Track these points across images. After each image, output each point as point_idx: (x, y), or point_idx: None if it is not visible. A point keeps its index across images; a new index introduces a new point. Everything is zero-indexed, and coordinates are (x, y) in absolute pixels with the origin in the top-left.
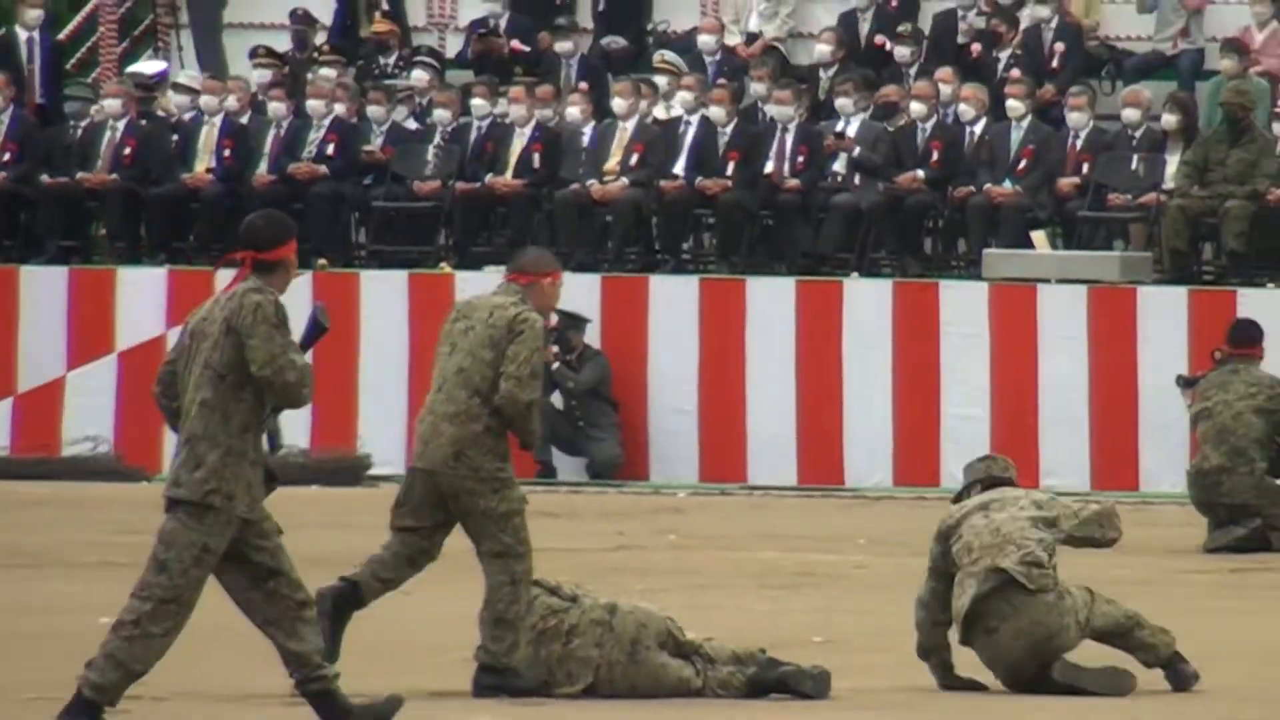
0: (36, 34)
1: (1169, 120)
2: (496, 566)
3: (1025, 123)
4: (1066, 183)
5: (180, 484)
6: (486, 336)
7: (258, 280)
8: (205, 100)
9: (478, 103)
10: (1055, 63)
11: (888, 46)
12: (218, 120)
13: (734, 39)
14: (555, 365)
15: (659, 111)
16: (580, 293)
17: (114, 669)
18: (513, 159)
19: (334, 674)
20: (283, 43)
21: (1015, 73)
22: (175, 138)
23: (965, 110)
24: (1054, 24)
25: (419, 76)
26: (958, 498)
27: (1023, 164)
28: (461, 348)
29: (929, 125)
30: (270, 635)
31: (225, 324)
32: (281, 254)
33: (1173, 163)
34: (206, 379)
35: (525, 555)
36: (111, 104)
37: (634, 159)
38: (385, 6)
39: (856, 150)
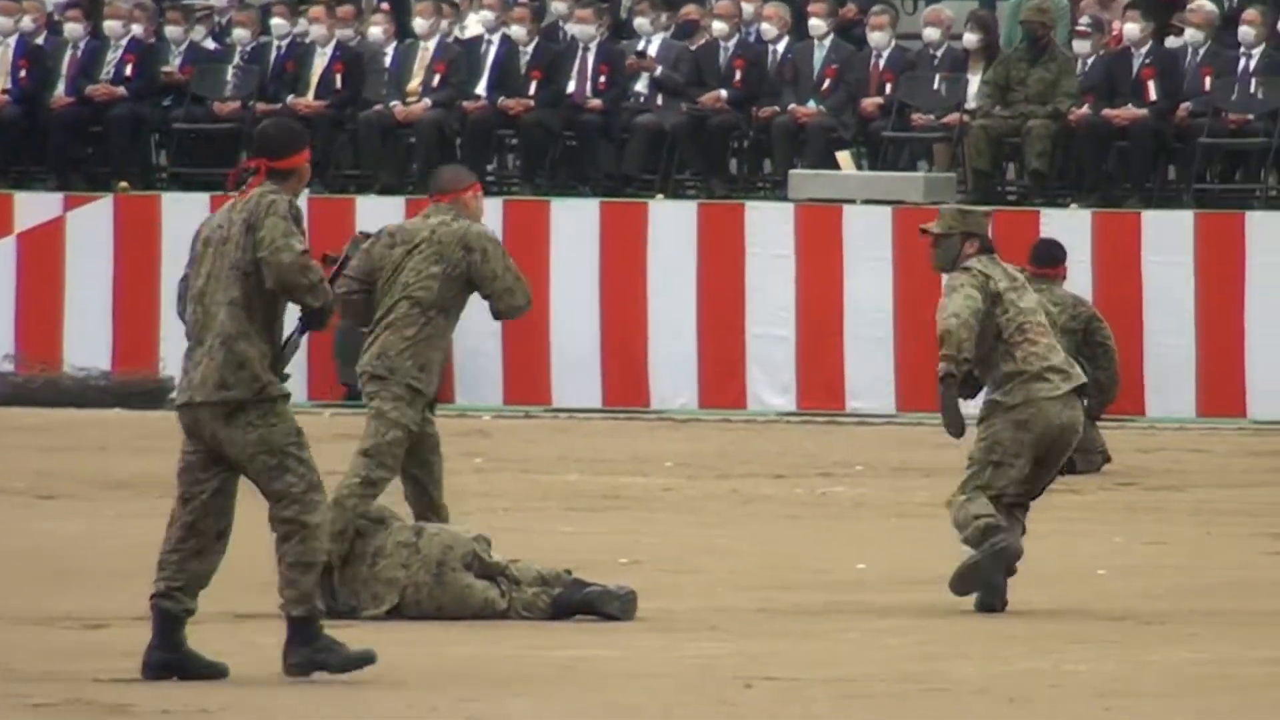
0: None
1: (970, 39)
2: None
3: (827, 42)
4: (870, 102)
5: (230, 386)
6: (434, 254)
7: (272, 184)
8: (0, 21)
9: (277, 22)
10: None
11: None
12: (12, 41)
13: None
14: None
15: (462, 30)
16: (386, 215)
17: (305, 573)
18: (314, 79)
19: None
20: None
21: None
22: None
23: (767, 29)
24: None
25: None
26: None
27: (826, 84)
28: (408, 266)
29: (731, 44)
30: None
31: (245, 224)
32: (294, 162)
33: (975, 82)
34: (234, 278)
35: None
36: None
37: (436, 79)
38: None
39: (658, 70)
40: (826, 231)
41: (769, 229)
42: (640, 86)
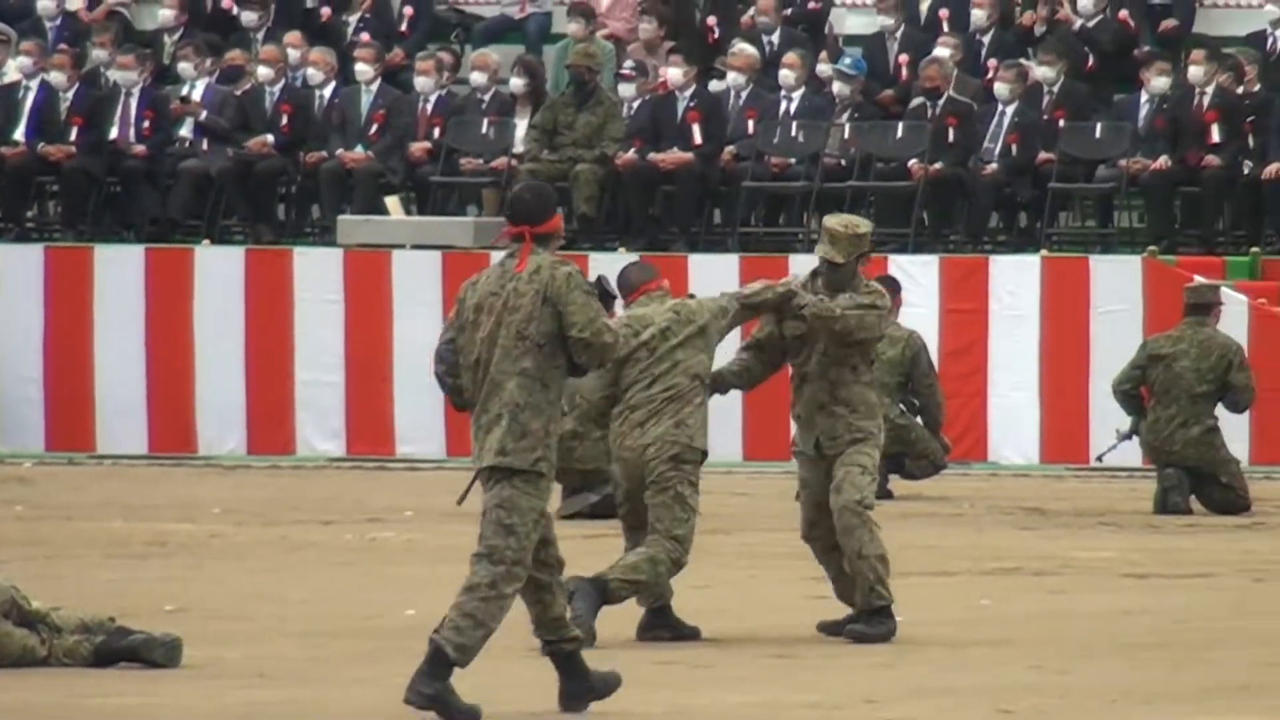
0: None
1: (517, 84)
2: None
3: (374, 86)
4: (418, 147)
5: (507, 453)
6: None
7: (542, 251)
8: None
9: None
10: (404, 26)
11: (234, 11)
12: None
13: (76, 3)
14: None
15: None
16: None
17: (475, 628)
18: None
19: (579, 637)
20: None
21: (364, 36)
22: None
23: (313, 74)
24: None
25: None
26: None
27: (374, 128)
28: None
29: (277, 89)
30: (526, 597)
31: (540, 295)
32: (554, 225)
33: (522, 126)
34: (525, 349)
35: None
36: None
37: None
38: None
39: (203, 115)
40: (375, 277)
41: (317, 274)
42: (185, 131)
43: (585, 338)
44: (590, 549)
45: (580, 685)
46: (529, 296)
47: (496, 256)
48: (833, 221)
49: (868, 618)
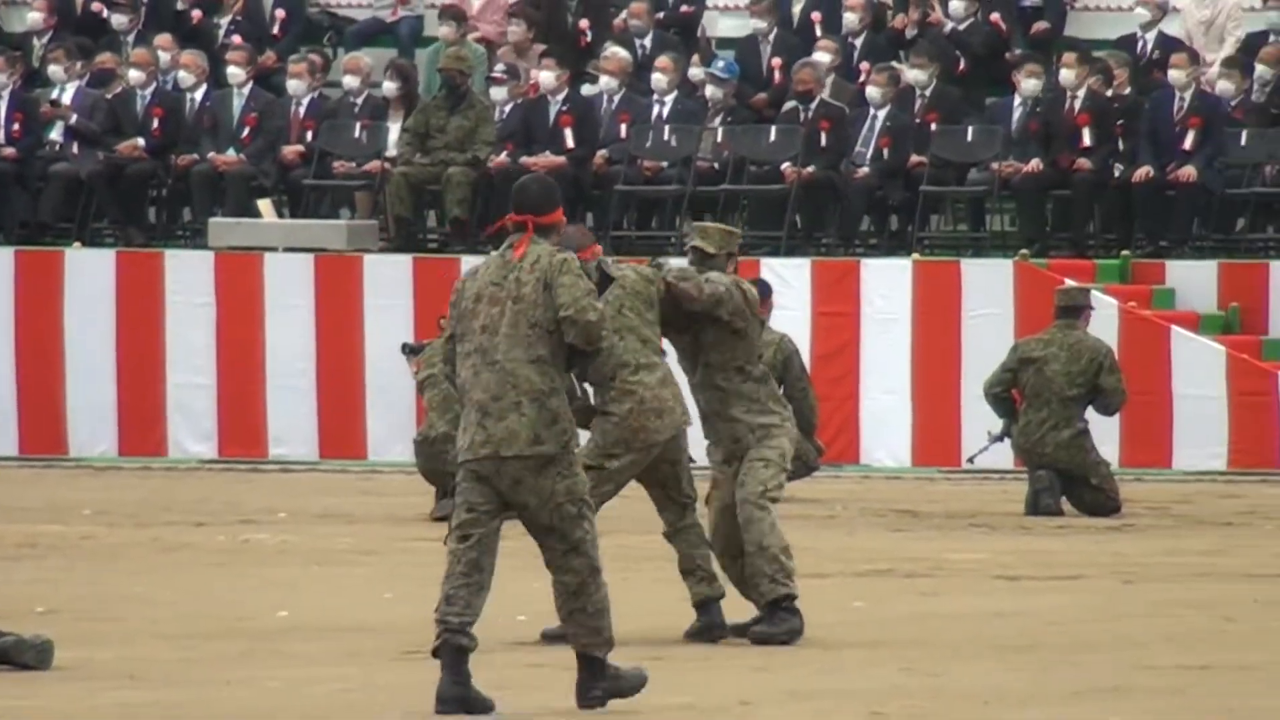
0: None
1: (389, 87)
2: None
3: (246, 89)
4: (290, 150)
5: (542, 440)
6: None
7: (542, 241)
8: None
9: None
10: (276, 29)
11: (104, 14)
12: None
13: None
14: None
15: None
16: None
17: (603, 616)
18: None
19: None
20: None
21: (236, 39)
22: None
23: (185, 77)
24: None
25: None
26: None
27: (246, 131)
28: None
29: (148, 92)
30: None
31: (541, 283)
32: (557, 217)
33: (395, 130)
34: (537, 336)
35: None
36: None
37: None
38: None
39: (74, 118)
40: (247, 279)
41: (188, 277)
42: (55, 135)
43: (571, 315)
44: None
45: (608, 684)
46: (531, 285)
47: (369, 260)
48: (705, 221)
49: (770, 614)
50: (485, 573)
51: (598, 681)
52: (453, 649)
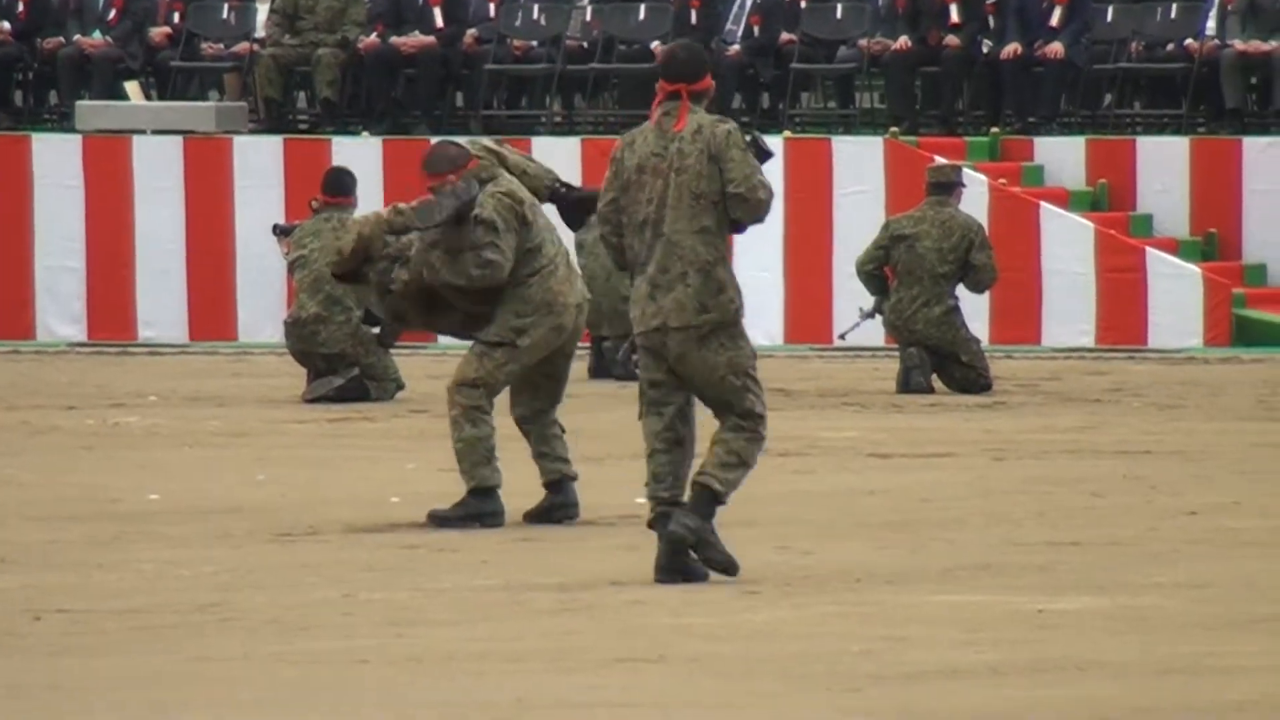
0: None
1: None
2: None
3: None
4: (158, 32)
5: (709, 309)
6: None
7: (698, 109)
8: None
9: None
10: None
11: None
12: None
13: None
14: None
15: None
16: None
17: (739, 466)
18: None
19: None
20: None
21: None
22: None
23: None
24: None
25: None
26: None
27: (112, 13)
28: None
29: None
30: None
31: (705, 154)
32: (708, 83)
33: (264, 11)
34: (702, 208)
35: None
36: None
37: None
38: None
39: None
40: (115, 162)
41: (56, 161)
42: None
43: (741, 193)
44: (330, 432)
45: (698, 522)
46: (694, 156)
47: (239, 142)
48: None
49: (462, 501)
50: (686, 443)
51: (695, 516)
52: (668, 519)
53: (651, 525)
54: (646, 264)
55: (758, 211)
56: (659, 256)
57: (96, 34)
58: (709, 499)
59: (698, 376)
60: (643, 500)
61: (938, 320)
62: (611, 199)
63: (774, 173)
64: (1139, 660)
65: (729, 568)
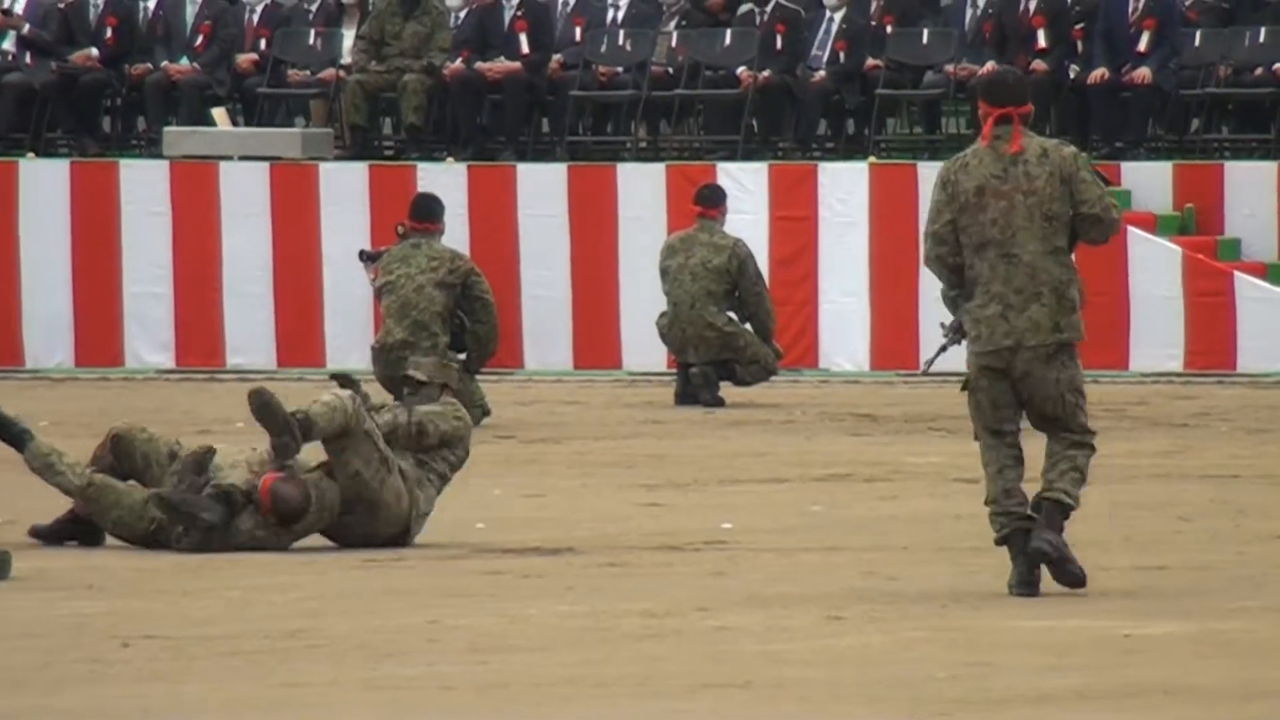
0: None
1: None
2: None
3: None
4: (245, 59)
5: (1062, 329)
6: None
7: (1030, 132)
8: None
9: None
10: None
11: None
12: None
13: None
14: None
15: None
16: None
17: (1083, 482)
18: None
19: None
20: None
21: None
22: None
23: None
24: None
25: None
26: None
27: (200, 40)
28: None
29: (101, 1)
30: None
31: (1056, 176)
32: (1031, 106)
33: (349, 37)
34: (1055, 229)
35: None
36: None
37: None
38: None
39: (26, 27)
40: (202, 188)
41: (143, 187)
42: (8, 45)
43: (1097, 213)
44: None
45: (1055, 536)
46: (1044, 178)
47: (325, 168)
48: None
49: None
50: (1023, 463)
51: (1052, 530)
52: (1024, 534)
53: (1001, 542)
54: (991, 284)
55: (1112, 231)
56: (1010, 277)
57: (184, 60)
58: (1060, 514)
59: (1038, 393)
60: (729, 526)
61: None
62: (949, 220)
63: (860, 198)
64: (1226, 685)
65: (1082, 582)
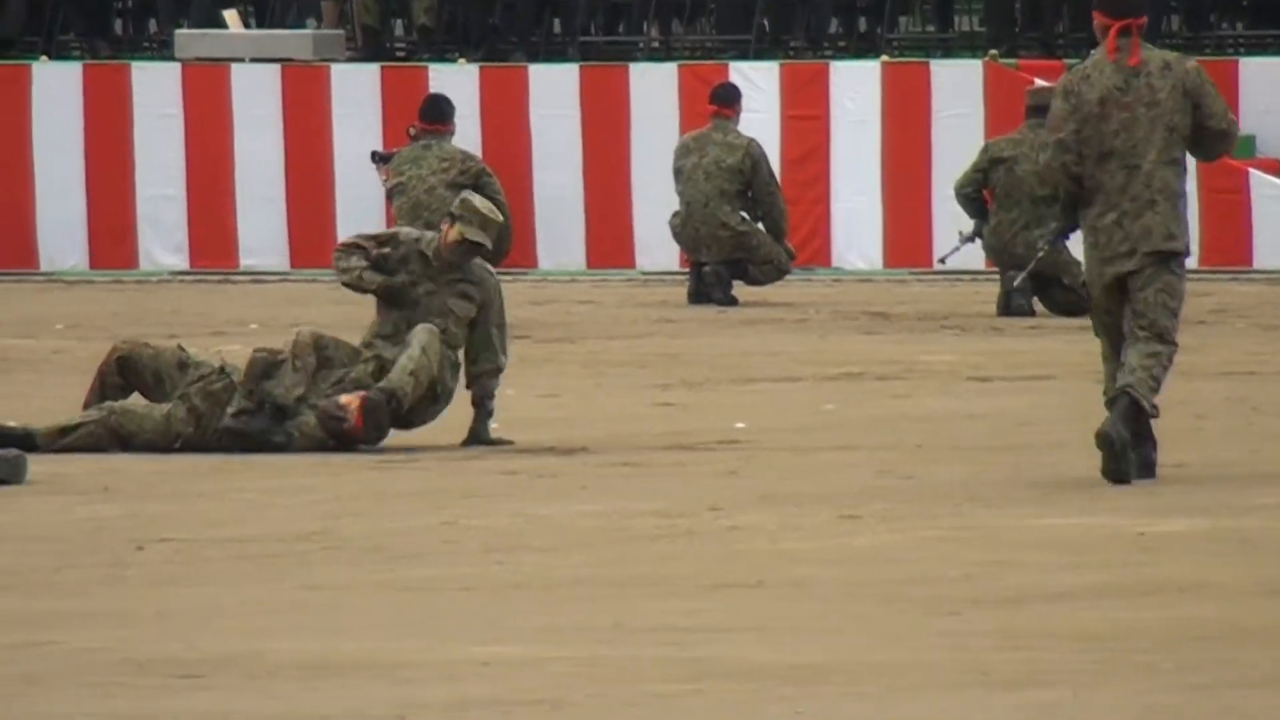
0: None
1: None
2: None
3: None
4: None
5: (1174, 236)
6: None
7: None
8: None
9: None
10: None
11: None
12: None
13: None
14: None
15: None
16: None
17: (1159, 389)
18: None
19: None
20: None
21: None
22: None
23: None
24: None
25: None
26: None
27: None
28: None
29: None
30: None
31: (1179, 89)
32: (1145, 18)
33: None
34: (1174, 141)
35: None
36: None
37: None
38: None
39: None
40: (214, 90)
41: (155, 89)
42: None
43: (1224, 128)
44: None
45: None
46: (1167, 91)
47: (337, 69)
48: (480, 204)
49: None
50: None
51: (1132, 426)
52: (1132, 400)
53: (1111, 402)
54: (1111, 193)
55: (1232, 145)
56: (1129, 185)
57: None
58: (1137, 414)
59: (1141, 296)
60: (742, 425)
61: (1038, 243)
62: (1074, 130)
63: (872, 97)
64: (1242, 581)
65: (1126, 479)
